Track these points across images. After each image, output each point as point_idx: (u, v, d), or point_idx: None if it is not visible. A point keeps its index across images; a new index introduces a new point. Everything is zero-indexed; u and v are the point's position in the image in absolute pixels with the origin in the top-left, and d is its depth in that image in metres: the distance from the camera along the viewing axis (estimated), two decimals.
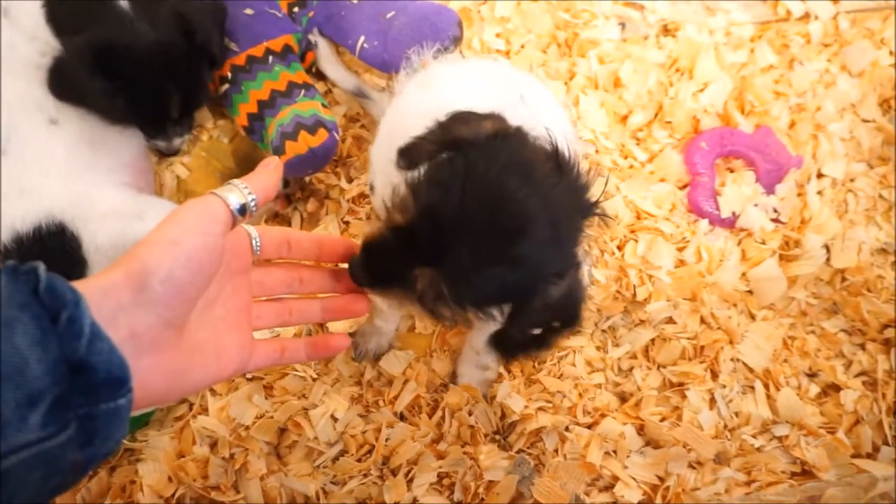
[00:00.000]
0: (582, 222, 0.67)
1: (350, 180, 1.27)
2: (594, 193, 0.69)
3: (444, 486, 1.04)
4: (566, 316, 0.67)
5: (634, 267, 1.18)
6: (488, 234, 0.60)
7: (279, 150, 1.15)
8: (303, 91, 1.19)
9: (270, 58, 1.21)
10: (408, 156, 0.69)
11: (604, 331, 1.16)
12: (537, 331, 0.67)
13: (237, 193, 0.58)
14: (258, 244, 0.64)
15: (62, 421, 0.42)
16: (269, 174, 0.63)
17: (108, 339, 0.45)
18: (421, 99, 0.95)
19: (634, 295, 1.16)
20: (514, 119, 0.81)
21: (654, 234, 1.21)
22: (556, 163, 0.66)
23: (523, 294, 0.63)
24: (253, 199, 0.59)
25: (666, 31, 1.45)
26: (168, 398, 0.55)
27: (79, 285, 0.46)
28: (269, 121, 1.17)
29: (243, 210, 0.58)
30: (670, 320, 1.15)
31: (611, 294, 1.17)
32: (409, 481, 1.02)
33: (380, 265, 0.65)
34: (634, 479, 1.03)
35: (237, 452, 1.05)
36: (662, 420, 1.07)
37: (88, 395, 0.44)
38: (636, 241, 1.21)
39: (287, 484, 1.02)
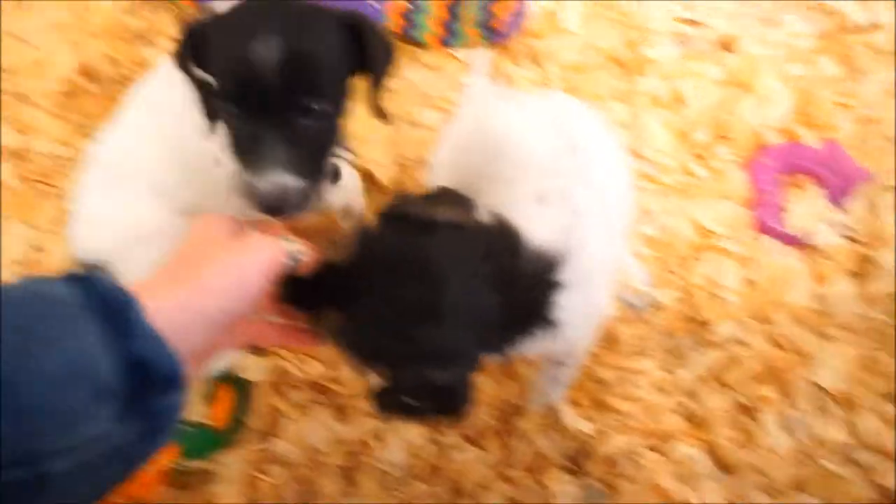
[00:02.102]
0: (515, 330, 0.70)
1: None
2: (544, 308, 0.70)
3: None
4: (442, 406, 0.67)
5: (700, 287, 1.16)
6: (386, 296, 0.62)
7: (488, 19, 1.33)
8: None
9: None
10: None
11: (670, 352, 1.15)
12: (411, 401, 0.66)
13: (294, 252, 0.62)
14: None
15: (126, 415, 0.45)
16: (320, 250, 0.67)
17: (161, 339, 0.47)
18: (474, 131, 0.96)
19: (701, 315, 1.15)
20: (560, 169, 0.82)
21: (719, 254, 1.20)
22: (510, 266, 0.67)
23: (397, 360, 0.64)
24: (298, 260, 0.63)
25: (724, 46, 1.44)
26: None
27: (147, 294, 0.49)
28: (460, 11, 1.33)
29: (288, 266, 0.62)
30: (739, 341, 1.13)
31: (676, 315, 1.16)
32: None
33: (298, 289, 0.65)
34: None
35: (310, 475, 1.06)
36: (735, 444, 1.06)
37: (147, 390, 0.46)
38: (701, 260, 1.20)
39: None
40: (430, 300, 0.62)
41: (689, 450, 1.05)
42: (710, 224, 1.23)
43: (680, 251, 1.21)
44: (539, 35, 1.42)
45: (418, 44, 1.41)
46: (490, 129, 0.94)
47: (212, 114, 0.80)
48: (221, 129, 0.81)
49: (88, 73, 1.39)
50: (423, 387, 0.64)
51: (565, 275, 0.73)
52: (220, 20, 0.76)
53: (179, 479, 1.08)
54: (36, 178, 1.31)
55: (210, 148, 0.91)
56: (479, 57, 1.39)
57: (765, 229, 1.22)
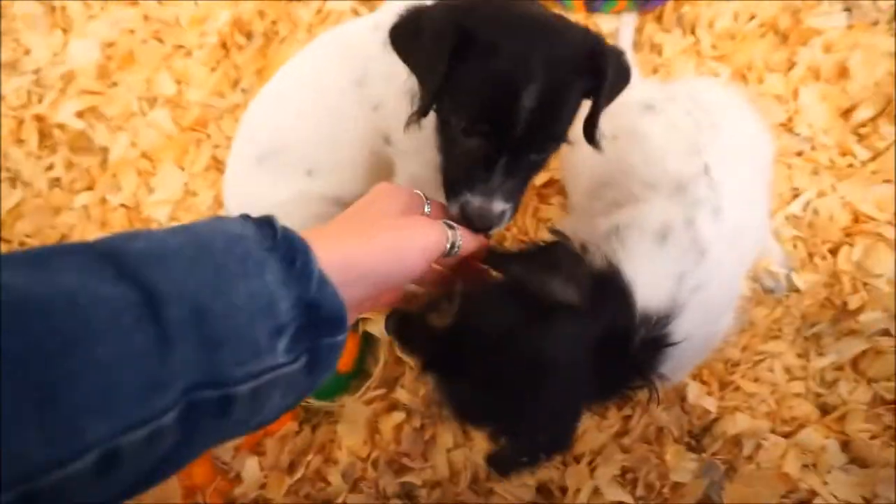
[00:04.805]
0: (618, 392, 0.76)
1: None
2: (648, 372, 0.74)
3: (627, 481, 1.10)
4: (552, 455, 0.79)
5: (848, 273, 1.18)
6: (500, 375, 0.68)
7: None
8: None
9: None
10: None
11: (807, 338, 1.17)
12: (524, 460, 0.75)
13: (455, 237, 0.71)
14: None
15: (298, 350, 0.52)
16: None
17: (331, 284, 0.54)
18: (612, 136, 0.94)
19: (846, 303, 1.16)
20: (691, 195, 0.85)
21: (873, 240, 1.20)
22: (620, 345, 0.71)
23: (503, 428, 0.73)
24: (457, 250, 0.72)
25: None
26: None
27: (320, 243, 0.56)
28: None
29: (449, 253, 0.71)
30: (886, 332, 1.14)
31: (818, 300, 1.18)
32: (592, 470, 1.11)
33: (410, 332, 0.76)
34: (835, 496, 1.04)
35: (428, 424, 1.18)
36: (872, 438, 1.08)
37: (317, 329, 0.54)
38: (852, 245, 1.21)
39: (471, 458, 1.15)
40: (537, 385, 0.68)
41: (819, 439, 1.08)
42: (867, 208, 1.23)
43: (830, 235, 1.22)
44: (692, 0, 1.45)
45: (563, 7, 1.48)
46: (627, 136, 0.95)
47: (424, 111, 0.81)
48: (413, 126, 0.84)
49: (241, 28, 1.56)
50: (534, 452, 0.74)
51: (686, 319, 0.77)
52: (488, 27, 0.77)
53: (306, 416, 1.24)
54: (190, 125, 1.50)
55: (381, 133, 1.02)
56: (626, 23, 1.43)
57: None
